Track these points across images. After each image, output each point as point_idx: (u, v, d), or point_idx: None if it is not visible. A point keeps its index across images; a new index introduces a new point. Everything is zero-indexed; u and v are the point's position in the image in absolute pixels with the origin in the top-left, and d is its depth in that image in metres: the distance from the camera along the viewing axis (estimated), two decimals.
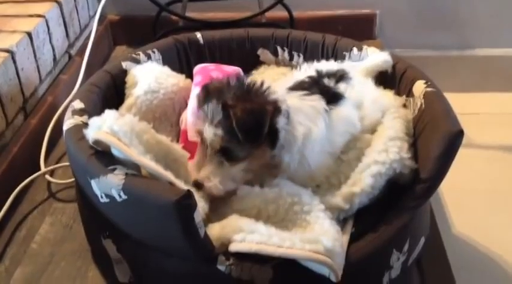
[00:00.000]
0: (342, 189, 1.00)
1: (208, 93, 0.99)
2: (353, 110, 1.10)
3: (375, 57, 1.27)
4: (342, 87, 1.11)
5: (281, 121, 0.97)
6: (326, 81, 1.12)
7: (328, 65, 1.22)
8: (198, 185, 0.97)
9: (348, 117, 1.08)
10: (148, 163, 0.90)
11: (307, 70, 1.20)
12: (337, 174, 1.05)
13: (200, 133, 0.99)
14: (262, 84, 0.99)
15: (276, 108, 0.96)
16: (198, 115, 1.01)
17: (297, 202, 0.95)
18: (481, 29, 2.18)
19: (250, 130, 0.94)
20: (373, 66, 1.26)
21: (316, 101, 1.04)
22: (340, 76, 1.14)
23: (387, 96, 1.20)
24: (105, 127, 0.92)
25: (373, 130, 1.11)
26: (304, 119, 1.01)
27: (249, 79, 1.02)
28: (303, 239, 0.86)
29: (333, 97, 1.07)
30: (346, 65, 1.24)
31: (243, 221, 0.91)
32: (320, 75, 1.14)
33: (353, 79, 1.14)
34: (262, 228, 0.89)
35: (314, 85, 1.09)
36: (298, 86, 1.09)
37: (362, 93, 1.14)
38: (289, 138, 0.99)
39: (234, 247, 0.87)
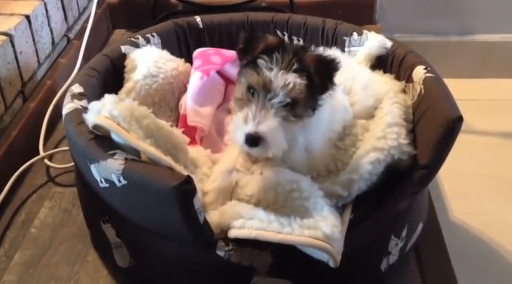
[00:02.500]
0: (340, 175, 1.00)
1: (268, 44, 0.94)
2: (344, 97, 1.10)
3: (373, 41, 1.26)
4: None
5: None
6: None
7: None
8: (254, 140, 0.90)
9: (344, 104, 1.08)
10: (147, 148, 0.90)
11: None
12: (335, 161, 1.05)
13: (258, 84, 0.92)
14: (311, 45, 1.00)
15: (339, 62, 0.96)
16: (255, 64, 0.93)
17: (296, 188, 0.95)
18: (481, 14, 2.17)
19: (326, 76, 0.93)
20: (371, 51, 1.26)
21: None
22: None
23: (385, 82, 1.19)
24: (104, 111, 0.92)
25: (367, 116, 1.11)
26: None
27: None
28: (302, 225, 0.86)
29: None
30: (337, 52, 1.23)
31: (242, 208, 0.91)
32: None
33: (342, 67, 1.13)
34: (261, 214, 0.89)
35: None
36: None
37: (351, 79, 1.13)
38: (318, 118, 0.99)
39: (233, 233, 0.88)
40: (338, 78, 1.09)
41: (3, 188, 1.20)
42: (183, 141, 1.00)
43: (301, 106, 0.93)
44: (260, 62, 0.93)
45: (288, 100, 0.91)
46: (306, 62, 0.92)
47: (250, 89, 0.93)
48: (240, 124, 0.91)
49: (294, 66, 0.91)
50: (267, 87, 0.91)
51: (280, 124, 0.91)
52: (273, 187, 0.96)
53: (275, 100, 0.91)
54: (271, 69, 0.91)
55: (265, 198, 0.96)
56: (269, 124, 0.90)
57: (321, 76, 0.92)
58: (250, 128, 0.90)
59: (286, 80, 0.91)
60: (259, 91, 0.92)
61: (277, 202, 0.95)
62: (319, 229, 0.85)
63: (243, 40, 0.97)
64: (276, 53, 0.92)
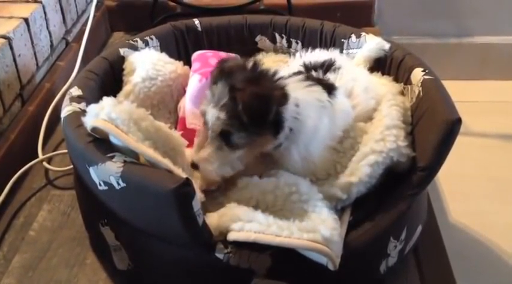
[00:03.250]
0: (339, 178, 1.00)
1: (220, 73, 0.97)
2: (346, 100, 1.09)
3: (371, 44, 1.26)
4: (330, 77, 1.11)
5: (289, 110, 0.95)
6: (314, 73, 1.11)
7: (317, 55, 1.21)
8: (195, 166, 0.97)
9: (345, 109, 1.08)
10: (146, 150, 0.90)
11: (299, 60, 1.20)
12: (334, 164, 1.05)
13: (204, 114, 0.98)
14: (275, 72, 0.98)
15: (283, 95, 0.94)
16: (205, 95, 0.99)
17: (295, 191, 0.95)
18: (479, 16, 2.18)
19: (255, 114, 0.93)
20: (369, 53, 1.26)
21: (320, 93, 1.03)
22: (328, 66, 1.13)
23: (384, 84, 1.19)
24: (103, 114, 0.92)
25: (366, 119, 1.11)
26: (313, 112, 0.99)
27: (263, 66, 1.00)
28: (301, 228, 0.86)
29: (328, 88, 1.06)
30: (336, 54, 1.23)
31: (241, 210, 0.91)
32: (307, 68, 1.13)
33: (342, 68, 1.13)
34: (260, 217, 0.89)
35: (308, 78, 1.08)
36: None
37: (352, 81, 1.13)
38: (298, 129, 0.98)
39: (232, 236, 0.88)
40: (338, 80, 1.10)
41: (2, 191, 1.20)
42: (182, 143, 1.00)
43: (235, 138, 0.95)
44: (207, 92, 0.98)
45: (215, 134, 0.96)
46: (238, 100, 0.92)
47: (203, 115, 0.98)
48: (191, 151, 0.99)
49: (222, 101, 0.94)
50: (205, 119, 0.97)
51: (215, 153, 0.96)
52: (272, 189, 0.96)
53: (209, 132, 0.96)
54: (208, 101, 0.96)
55: (264, 201, 0.95)
56: (203, 153, 0.97)
57: (249, 115, 0.92)
58: (189, 154, 0.99)
59: (213, 114, 0.94)
60: (203, 122, 0.98)
61: (276, 204, 0.95)
62: (318, 232, 0.85)
63: (215, 67, 1.01)
64: (215, 86, 0.95)
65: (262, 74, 0.97)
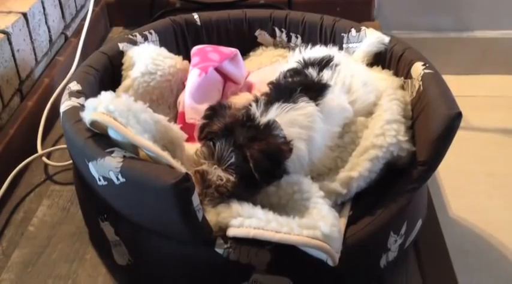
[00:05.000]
0: (339, 173, 1.00)
1: (218, 130, 0.94)
2: (342, 95, 1.08)
3: (371, 38, 1.26)
4: (326, 74, 1.09)
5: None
6: (310, 70, 1.10)
7: (316, 51, 1.20)
8: None
9: (340, 104, 1.07)
10: (145, 143, 0.89)
11: (298, 55, 1.19)
12: (334, 159, 1.04)
13: (201, 173, 0.93)
14: (273, 123, 0.95)
15: (290, 150, 0.93)
16: (197, 154, 0.95)
17: (297, 190, 0.94)
18: (479, 10, 2.17)
19: (267, 171, 0.91)
20: (369, 48, 1.25)
21: (304, 107, 0.99)
22: (325, 63, 1.12)
23: (384, 78, 1.19)
24: (101, 107, 0.91)
25: (367, 113, 1.11)
26: (301, 131, 0.97)
27: (257, 115, 0.96)
28: (300, 225, 0.86)
29: (318, 90, 1.04)
30: (335, 50, 1.22)
31: (241, 206, 0.90)
32: (304, 65, 1.12)
33: (340, 65, 1.12)
34: (260, 213, 0.88)
35: (298, 78, 1.07)
36: (282, 79, 1.08)
37: (350, 77, 1.12)
38: (297, 162, 0.97)
39: (231, 232, 0.87)
40: (336, 77, 1.09)
41: (1, 186, 1.20)
42: (181, 137, 0.99)
43: (242, 194, 0.93)
44: (203, 149, 0.94)
45: (217, 194, 0.92)
46: (246, 157, 0.90)
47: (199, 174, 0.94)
48: None
49: (229, 161, 0.90)
50: (203, 177, 0.92)
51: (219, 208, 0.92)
52: (275, 191, 0.95)
53: (209, 191, 0.92)
54: (207, 161, 0.92)
55: (268, 202, 0.95)
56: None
57: (262, 171, 0.91)
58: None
59: (216, 175, 0.91)
60: (199, 179, 0.93)
61: (279, 204, 0.95)
62: (318, 229, 0.85)
63: (204, 117, 0.98)
64: (216, 143, 0.92)
65: (264, 127, 0.94)
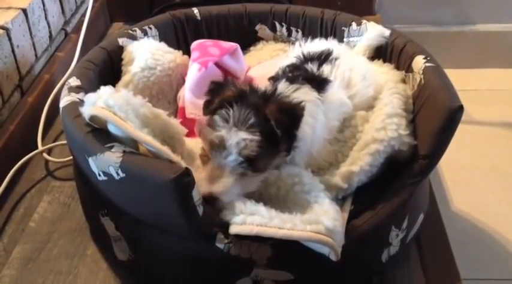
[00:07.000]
0: (340, 168, 1.00)
1: (231, 96, 0.93)
2: (341, 90, 1.08)
3: (372, 32, 1.25)
4: (325, 69, 1.09)
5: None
6: (309, 65, 1.10)
7: (316, 45, 1.19)
8: (211, 199, 0.90)
9: (339, 98, 1.06)
10: (144, 137, 0.88)
11: (298, 49, 1.19)
12: (335, 153, 1.04)
13: (213, 142, 0.92)
14: (279, 89, 0.96)
15: (303, 108, 0.93)
16: (206, 124, 0.95)
17: (298, 182, 0.94)
18: (481, 4, 2.16)
19: (287, 128, 0.91)
20: (370, 42, 1.25)
21: (309, 94, 1.00)
22: (324, 57, 1.12)
23: (385, 72, 1.18)
24: (100, 102, 0.91)
25: (367, 107, 1.10)
26: (307, 117, 0.96)
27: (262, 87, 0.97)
28: (303, 221, 0.85)
29: (319, 84, 1.04)
30: (335, 43, 1.22)
31: (243, 203, 0.90)
32: (303, 60, 1.12)
33: (339, 59, 1.12)
34: (262, 210, 0.88)
35: (298, 73, 1.06)
36: (283, 75, 1.07)
37: (349, 71, 1.11)
38: (299, 137, 0.96)
39: (234, 230, 0.87)
40: (335, 71, 1.09)
41: (2, 182, 1.20)
42: (181, 131, 0.99)
43: (260, 161, 0.92)
44: (216, 118, 0.92)
45: (241, 159, 0.90)
46: (266, 115, 0.90)
47: (210, 146, 0.93)
48: (199, 183, 0.87)
49: (250, 121, 0.90)
50: (222, 145, 0.90)
51: (237, 181, 0.91)
52: (274, 181, 0.95)
53: (230, 159, 0.90)
54: (224, 126, 0.91)
55: (267, 192, 0.95)
56: (223, 184, 0.90)
57: (283, 128, 0.90)
58: (204, 189, 0.89)
59: (238, 138, 0.89)
60: (216, 149, 0.91)
61: (278, 196, 0.95)
62: (321, 223, 0.84)
63: (208, 92, 0.97)
64: (232, 108, 0.91)
65: (273, 92, 0.95)
